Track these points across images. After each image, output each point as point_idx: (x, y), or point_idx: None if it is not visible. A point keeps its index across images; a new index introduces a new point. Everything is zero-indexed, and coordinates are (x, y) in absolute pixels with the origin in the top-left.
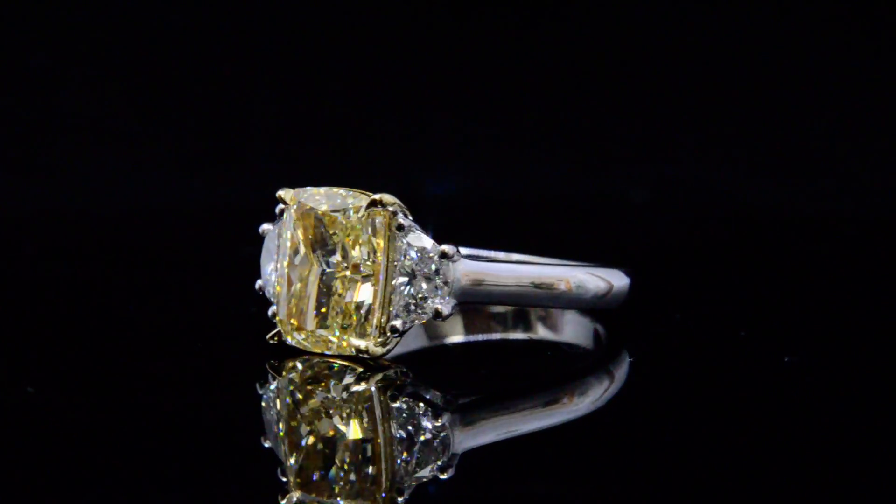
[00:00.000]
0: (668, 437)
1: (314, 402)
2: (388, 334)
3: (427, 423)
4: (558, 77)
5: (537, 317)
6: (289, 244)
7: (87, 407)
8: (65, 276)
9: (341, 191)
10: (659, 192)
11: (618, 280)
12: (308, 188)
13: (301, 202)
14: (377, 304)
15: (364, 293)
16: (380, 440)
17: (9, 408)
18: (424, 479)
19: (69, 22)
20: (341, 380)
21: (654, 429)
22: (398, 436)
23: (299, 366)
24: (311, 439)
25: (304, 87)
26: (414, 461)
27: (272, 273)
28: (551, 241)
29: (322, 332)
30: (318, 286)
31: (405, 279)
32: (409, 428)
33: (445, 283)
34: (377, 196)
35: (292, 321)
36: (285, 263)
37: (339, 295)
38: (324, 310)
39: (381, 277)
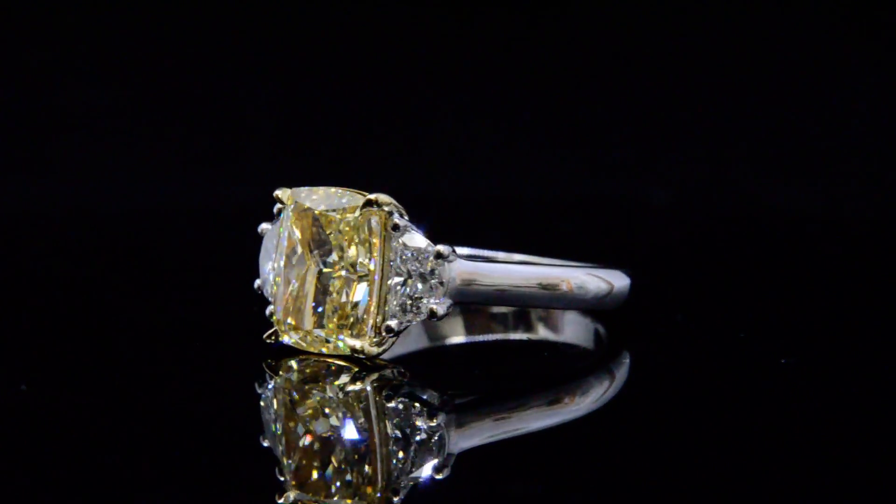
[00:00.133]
0: (668, 437)
1: (310, 402)
2: (384, 334)
3: (422, 423)
4: (558, 77)
5: (538, 317)
6: (286, 244)
7: (85, 405)
8: (64, 276)
9: (338, 190)
10: (673, 193)
11: (618, 281)
12: (305, 188)
13: (298, 202)
14: (372, 304)
15: (360, 293)
16: (375, 440)
17: (8, 407)
18: (420, 479)
19: (69, 22)
20: (337, 379)
21: (654, 429)
22: (393, 435)
23: (296, 365)
24: (306, 439)
25: (303, 88)
26: (409, 461)
27: (270, 272)
28: (552, 242)
29: (318, 331)
30: (315, 286)
31: (400, 279)
32: (405, 428)
33: (441, 283)
34: (373, 196)
35: (289, 321)
36: (282, 263)
37: (336, 295)
38: (321, 309)
39: (377, 277)
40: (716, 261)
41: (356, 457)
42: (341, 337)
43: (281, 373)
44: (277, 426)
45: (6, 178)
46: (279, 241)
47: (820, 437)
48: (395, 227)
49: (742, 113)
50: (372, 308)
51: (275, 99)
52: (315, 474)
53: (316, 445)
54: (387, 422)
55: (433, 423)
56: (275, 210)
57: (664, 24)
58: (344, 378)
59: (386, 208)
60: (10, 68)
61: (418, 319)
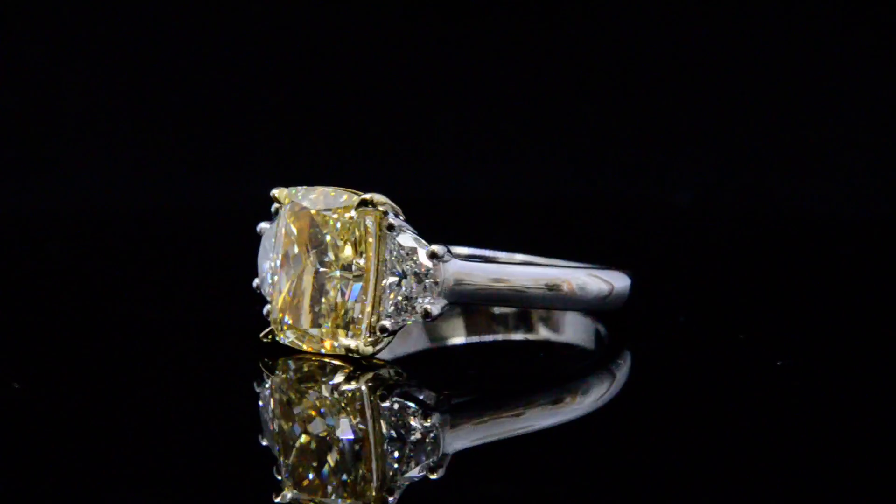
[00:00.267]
0: (669, 437)
1: (306, 401)
2: (379, 334)
3: (417, 423)
4: (557, 77)
5: (539, 318)
6: (282, 243)
7: (83, 404)
8: (64, 276)
9: (334, 190)
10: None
11: (619, 282)
12: (301, 187)
13: (294, 201)
14: (367, 303)
15: (355, 293)
16: (370, 439)
17: (7, 406)
18: (415, 479)
19: (69, 22)
20: (332, 379)
21: (654, 429)
22: (388, 435)
23: (292, 364)
24: (302, 438)
25: (303, 88)
26: (404, 461)
27: (268, 272)
28: (553, 242)
29: (314, 330)
30: (312, 285)
31: (395, 279)
32: (400, 428)
33: (436, 283)
34: (368, 196)
35: (286, 320)
36: (279, 262)
37: (332, 294)
38: (317, 309)
39: (372, 277)
40: (716, 261)
41: (351, 456)
42: (337, 336)
43: (277, 372)
44: (273, 425)
45: (6, 178)
46: (276, 240)
47: (820, 437)
48: (390, 227)
49: (742, 113)
50: (367, 308)
51: (275, 99)
52: (311, 474)
53: (312, 445)
54: (381, 421)
55: (428, 423)
56: (272, 209)
57: (663, 24)
58: (339, 377)
59: (381, 208)
60: (10, 68)
61: (413, 319)
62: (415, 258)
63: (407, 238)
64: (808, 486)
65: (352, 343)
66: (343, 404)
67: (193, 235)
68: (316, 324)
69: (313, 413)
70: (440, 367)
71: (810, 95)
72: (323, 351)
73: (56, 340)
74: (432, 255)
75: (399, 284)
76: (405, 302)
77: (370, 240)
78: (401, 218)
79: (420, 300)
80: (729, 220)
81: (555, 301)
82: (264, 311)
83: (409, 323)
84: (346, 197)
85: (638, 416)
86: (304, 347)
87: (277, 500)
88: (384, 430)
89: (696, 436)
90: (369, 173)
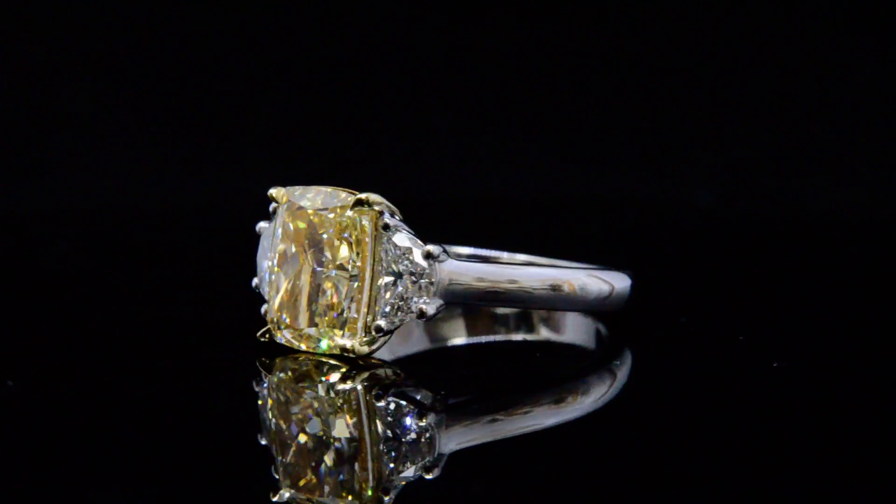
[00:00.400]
0: (669, 437)
1: (302, 401)
2: (374, 334)
3: (413, 423)
4: (557, 77)
5: (540, 318)
6: (280, 242)
7: (80, 403)
8: (64, 276)
9: (332, 190)
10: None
11: (620, 282)
12: (299, 187)
13: (292, 201)
14: (363, 303)
15: (351, 292)
16: (365, 439)
17: (6, 406)
18: (411, 479)
19: (69, 21)
20: (328, 378)
21: (655, 429)
22: (384, 435)
23: (289, 364)
24: (299, 437)
25: (302, 88)
26: (400, 461)
27: (266, 271)
28: (553, 242)
29: (311, 330)
30: (309, 284)
31: (391, 279)
32: (395, 427)
33: (431, 283)
34: (363, 195)
35: (283, 319)
36: (276, 261)
37: (328, 293)
38: (314, 308)
39: (367, 277)
40: (716, 262)
41: (346, 456)
42: (333, 336)
43: (274, 371)
44: (269, 425)
45: (6, 178)
46: (273, 239)
47: (820, 437)
48: (386, 227)
49: (742, 113)
50: (362, 308)
51: (274, 98)
52: (308, 473)
53: (309, 444)
54: (377, 421)
55: (423, 423)
56: (270, 209)
57: (663, 24)
58: (335, 377)
59: (377, 208)
60: (10, 68)
61: (409, 319)
62: (410, 258)
63: (402, 238)
64: (808, 487)
65: (347, 342)
66: (339, 404)
67: (193, 235)
68: (312, 323)
69: (311, 413)
70: (440, 367)
71: (810, 95)
72: (318, 350)
73: (54, 339)
74: (427, 255)
75: (394, 284)
76: (401, 302)
77: (366, 239)
78: (397, 218)
79: (415, 300)
80: (729, 220)
81: (555, 302)
82: (262, 310)
83: (405, 322)
84: (343, 196)
85: (638, 417)
86: (301, 347)
87: (275, 499)
88: (380, 429)
89: (696, 436)
90: (369, 173)
